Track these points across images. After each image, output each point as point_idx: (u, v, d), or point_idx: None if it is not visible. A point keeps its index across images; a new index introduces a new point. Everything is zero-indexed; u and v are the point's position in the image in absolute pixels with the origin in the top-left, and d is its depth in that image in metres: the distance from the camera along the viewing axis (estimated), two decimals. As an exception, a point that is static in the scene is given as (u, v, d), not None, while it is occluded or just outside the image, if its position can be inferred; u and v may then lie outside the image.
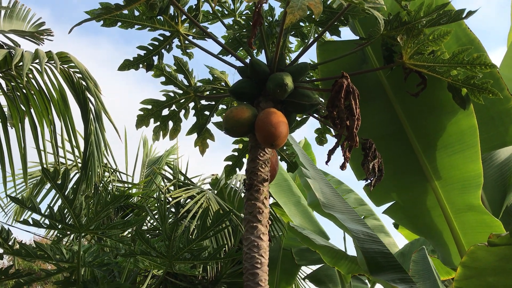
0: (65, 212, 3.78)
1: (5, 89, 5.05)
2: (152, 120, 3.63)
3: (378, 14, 2.57)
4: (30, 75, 5.39)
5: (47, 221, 3.84)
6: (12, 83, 5.16)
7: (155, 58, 3.45)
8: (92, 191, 5.38)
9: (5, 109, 5.08)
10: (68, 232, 3.90)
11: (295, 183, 7.65)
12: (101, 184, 7.47)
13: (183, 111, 3.69)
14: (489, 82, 2.90)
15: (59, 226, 3.79)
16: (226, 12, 3.44)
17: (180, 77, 3.56)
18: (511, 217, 4.11)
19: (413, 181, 3.53)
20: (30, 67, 5.34)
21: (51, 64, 5.42)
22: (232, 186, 7.34)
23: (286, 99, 2.94)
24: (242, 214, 6.92)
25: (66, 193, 3.60)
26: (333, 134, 2.71)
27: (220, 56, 3.30)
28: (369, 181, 2.91)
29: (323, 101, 2.99)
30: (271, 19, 3.19)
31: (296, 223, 6.56)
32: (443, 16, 2.87)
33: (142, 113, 3.58)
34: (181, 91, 3.59)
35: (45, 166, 5.81)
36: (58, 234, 4.46)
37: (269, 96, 2.95)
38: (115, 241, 4.03)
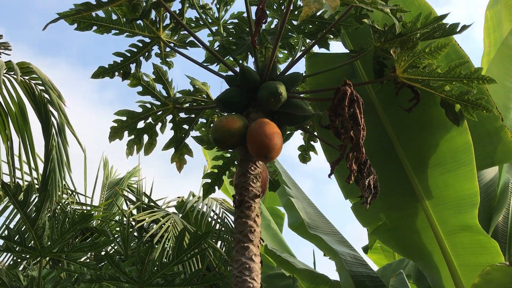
0: (23, 232, 3.43)
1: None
2: (126, 133, 3.38)
3: (393, 17, 2.46)
4: (-14, 87, 5.03)
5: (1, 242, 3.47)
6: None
7: (133, 66, 3.22)
8: (50, 213, 4.97)
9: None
10: (27, 256, 3.52)
11: (264, 205, 7.44)
12: (59, 206, 7.02)
13: (159, 124, 3.45)
14: (483, 98, 2.83)
15: (18, 249, 3.42)
16: (210, 20, 3.27)
17: (159, 87, 3.34)
18: (498, 238, 4.04)
19: (402, 201, 3.40)
20: (-14, 78, 4.99)
21: (11, 75, 5.09)
22: (199, 209, 7.07)
23: (278, 110, 2.77)
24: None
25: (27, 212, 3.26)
26: (327, 148, 2.54)
27: (206, 64, 3.11)
28: (364, 198, 2.74)
29: (316, 113, 2.84)
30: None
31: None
32: (438, 29, 2.79)
33: (116, 125, 3.32)
34: (159, 103, 3.36)
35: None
36: (16, 258, 4.06)
37: (259, 107, 2.78)
38: (80, 265, 3.68)
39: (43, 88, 5.05)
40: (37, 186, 5.62)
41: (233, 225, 7.05)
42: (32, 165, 5.15)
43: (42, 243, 3.42)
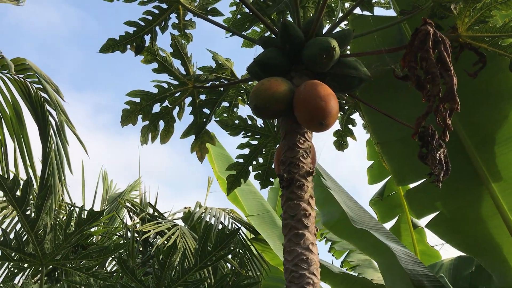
0: (23, 237, 2.96)
1: None
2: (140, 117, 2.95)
3: None
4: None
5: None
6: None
7: (147, 38, 2.79)
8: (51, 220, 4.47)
9: None
10: (26, 265, 3.04)
11: (276, 213, 6.99)
12: (57, 221, 6.53)
13: (177, 109, 3.02)
14: (562, 58, 2.41)
15: (15, 257, 2.94)
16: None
17: (176, 64, 2.92)
18: None
19: (463, 185, 2.95)
20: (-22, 78, 4.59)
21: (4, 74, 4.68)
22: (207, 220, 6.61)
23: (328, 71, 2.33)
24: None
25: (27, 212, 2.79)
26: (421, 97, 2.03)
27: (231, 32, 2.68)
28: (434, 176, 2.29)
29: (380, 67, 2.40)
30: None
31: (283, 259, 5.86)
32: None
33: (128, 107, 2.88)
34: (176, 82, 2.93)
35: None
36: (12, 269, 3.55)
37: (304, 71, 2.34)
38: (87, 275, 3.19)
39: (39, 86, 4.64)
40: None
41: (244, 237, 6.61)
42: (30, 171, 4.71)
43: (43, 249, 2.94)
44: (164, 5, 2.71)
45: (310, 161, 2.21)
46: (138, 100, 2.89)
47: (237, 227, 6.71)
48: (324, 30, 2.65)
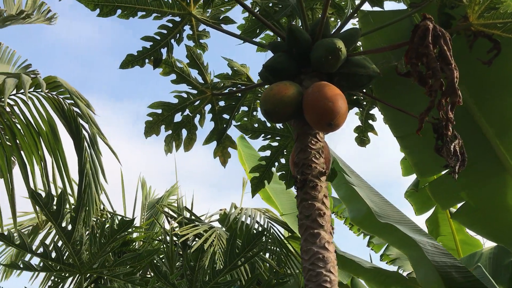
0: (62, 249, 3.12)
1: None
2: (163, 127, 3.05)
3: None
4: (16, 107, 4.87)
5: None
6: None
7: (163, 51, 2.89)
8: (89, 229, 4.65)
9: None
10: (67, 274, 3.20)
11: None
12: (97, 231, 6.77)
13: (198, 117, 3.11)
14: None
15: (56, 267, 3.10)
16: (244, -7, 2.92)
17: (194, 74, 3.00)
18: None
19: (486, 174, 2.92)
20: (15, 98, 4.83)
21: (39, 93, 4.90)
22: (243, 221, 6.69)
23: (336, 71, 2.37)
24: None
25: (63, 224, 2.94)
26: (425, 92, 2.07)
27: (242, 40, 2.74)
28: (451, 168, 2.28)
29: (385, 64, 2.42)
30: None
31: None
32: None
33: (151, 119, 3.00)
34: (195, 91, 3.02)
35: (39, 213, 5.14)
36: (54, 278, 3.74)
37: (313, 73, 2.38)
38: (124, 281, 3.33)
39: (71, 101, 4.84)
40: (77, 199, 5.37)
41: (280, 236, 6.66)
42: (67, 183, 4.92)
43: (81, 259, 3.09)
44: (177, 18, 2.80)
45: (323, 161, 2.25)
46: (159, 111, 2.99)
47: (272, 227, 6.76)
48: (335, 29, 2.68)
